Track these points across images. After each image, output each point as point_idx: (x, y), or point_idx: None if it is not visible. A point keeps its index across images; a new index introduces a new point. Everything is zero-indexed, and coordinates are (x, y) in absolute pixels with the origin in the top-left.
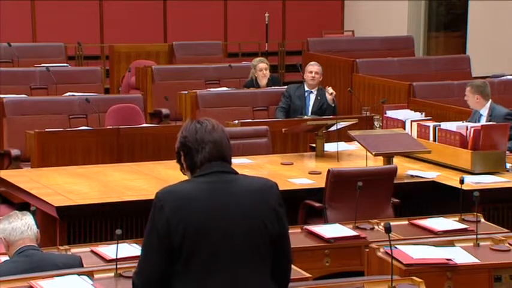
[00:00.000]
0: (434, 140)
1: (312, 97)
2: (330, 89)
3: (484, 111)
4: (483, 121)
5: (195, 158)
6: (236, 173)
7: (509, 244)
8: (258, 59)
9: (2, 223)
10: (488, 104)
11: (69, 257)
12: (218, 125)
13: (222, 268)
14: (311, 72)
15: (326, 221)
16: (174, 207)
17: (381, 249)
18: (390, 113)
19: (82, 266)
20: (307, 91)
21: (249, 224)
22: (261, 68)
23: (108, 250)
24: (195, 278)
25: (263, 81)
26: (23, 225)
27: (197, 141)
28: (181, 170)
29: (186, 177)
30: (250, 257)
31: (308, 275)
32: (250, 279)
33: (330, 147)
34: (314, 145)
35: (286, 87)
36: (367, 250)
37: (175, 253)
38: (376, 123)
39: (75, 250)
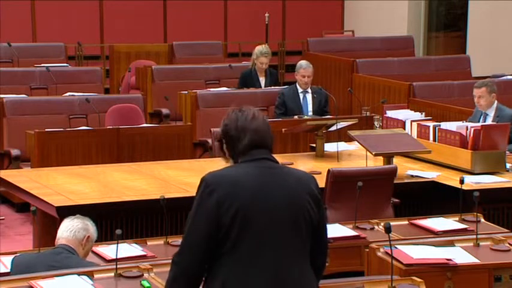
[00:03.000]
0: (434, 140)
1: (309, 97)
2: None
3: (491, 112)
4: (489, 121)
5: (236, 146)
6: (278, 162)
7: (509, 244)
8: (261, 51)
9: None
10: (495, 105)
11: (87, 263)
12: (259, 114)
13: (267, 250)
14: (304, 76)
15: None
16: (226, 190)
17: (381, 249)
18: (390, 113)
19: None
20: (301, 92)
21: (295, 207)
22: (262, 62)
23: (108, 250)
24: (241, 259)
25: (261, 72)
26: (64, 227)
27: (238, 130)
28: (224, 159)
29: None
30: (293, 240)
31: None
32: (293, 263)
33: (330, 147)
34: (314, 145)
35: (280, 91)
36: (367, 250)
37: (221, 236)
38: (376, 123)
39: None
